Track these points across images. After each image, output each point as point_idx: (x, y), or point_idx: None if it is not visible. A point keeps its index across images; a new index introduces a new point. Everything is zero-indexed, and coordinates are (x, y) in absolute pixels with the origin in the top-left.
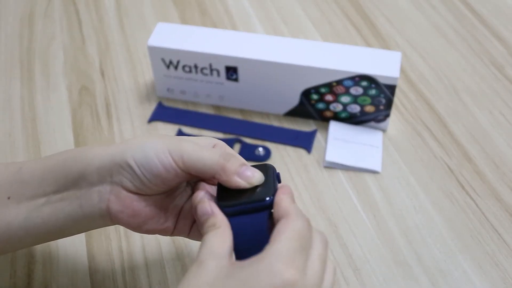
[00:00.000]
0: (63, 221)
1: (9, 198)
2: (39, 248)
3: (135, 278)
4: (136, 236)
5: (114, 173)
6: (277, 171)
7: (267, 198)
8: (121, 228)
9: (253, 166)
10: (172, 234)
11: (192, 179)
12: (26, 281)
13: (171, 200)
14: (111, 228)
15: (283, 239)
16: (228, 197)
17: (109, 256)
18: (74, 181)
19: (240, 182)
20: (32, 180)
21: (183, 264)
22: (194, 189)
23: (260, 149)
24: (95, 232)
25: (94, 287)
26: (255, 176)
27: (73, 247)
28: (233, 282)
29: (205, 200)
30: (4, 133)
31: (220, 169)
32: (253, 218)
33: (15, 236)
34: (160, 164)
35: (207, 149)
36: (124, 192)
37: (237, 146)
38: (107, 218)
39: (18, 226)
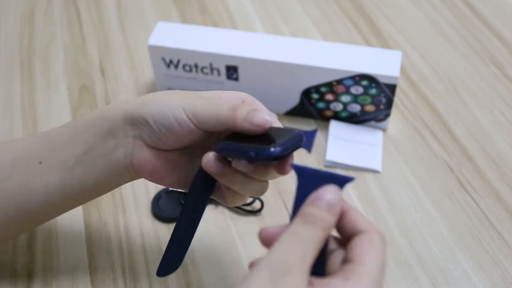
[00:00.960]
0: (95, 178)
1: (40, 163)
2: (39, 246)
3: (135, 277)
4: (136, 236)
5: (135, 127)
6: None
7: (272, 149)
8: (122, 227)
9: (282, 128)
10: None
11: (211, 137)
12: (27, 279)
13: (192, 158)
14: (111, 228)
15: (373, 263)
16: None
17: (109, 255)
18: (103, 139)
19: (247, 126)
20: (61, 144)
21: (183, 263)
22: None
23: None
24: (95, 231)
25: (94, 286)
26: (262, 118)
27: (74, 245)
28: None
29: (336, 190)
30: (5, 132)
31: (231, 121)
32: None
33: (53, 199)
34: (174, 119)
35: (222, 103)
36: (145, 147)
37: None
38: (132, 172)
39: (54, 189)
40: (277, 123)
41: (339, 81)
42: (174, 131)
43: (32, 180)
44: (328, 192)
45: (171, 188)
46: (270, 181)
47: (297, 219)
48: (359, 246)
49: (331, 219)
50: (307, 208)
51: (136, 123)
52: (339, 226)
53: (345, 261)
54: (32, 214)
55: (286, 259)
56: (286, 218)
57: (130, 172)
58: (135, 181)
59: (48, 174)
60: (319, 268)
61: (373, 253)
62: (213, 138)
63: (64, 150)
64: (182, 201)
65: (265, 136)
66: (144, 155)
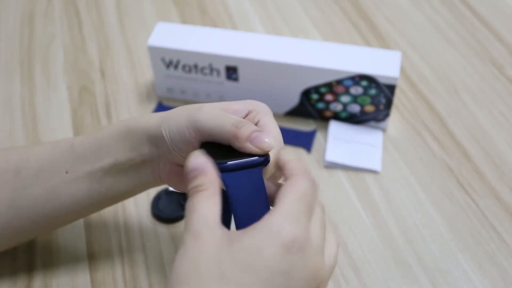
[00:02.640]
0: (125, 188)
1: (67, 172)
2: (39, 247)
3: (135, 277)
4: (136, 236)
5: (159, 147)
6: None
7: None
8: (121, 227)
9: None
10: None
11: None
12: (27, 279)
13: None
14: (111, 228)
15: (288, 201)
16: (227, 156)
17: (109, 255)
18: (129, 153)
19: (251, 148)
20: (87, 154)
21: None
22: None
23: None
24: (95, 231)
25: (94, 286)
26: (266, 142)
27: (74, 246)
28: (239, 248)
29: (199, 154)
30: (5, 133)
31: (233, 137)
32: (249, 173)
33: (81, 207)
34: (180, 138)
35: (224, 116)
36: (169, 163)
37: None
38: (159, 181)
39: (83, 197)
40: (277, 147)
41: (339, 82)
42: (183, 149)
43: (60, 189)
44: (192, 162)
45: (171, 189)
46: None
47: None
48: (281, 190)
49: (203, 179)
50: (188, 185)
51: (158, 142)
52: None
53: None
54: (58, 220)
55: (196, 223)
56: None
57: (157, 182)
58: None
59: (76, 183)
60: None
61: (289, 190)
62: None
63: (91, 161)
64: (182, 202)
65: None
66: (170, 169)
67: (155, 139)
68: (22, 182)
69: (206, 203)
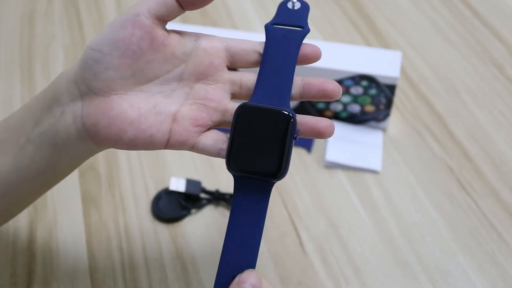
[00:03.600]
0: (48, 155)
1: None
2: (39, 247)
3: (135, 277)
4: (136, 236)
5: (81, 80)
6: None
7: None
8: (122, 227)
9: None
10: (166, 146)
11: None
12: (27, 280)
13: (160, 98)
14: (111, 228)
15: None
16: None
17: (109, 256)
18: (48, 109)
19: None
20: (15, 123)
21: (183, 263)
22: None
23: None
24: (95, 232)
25: (94, 286)
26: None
27: (74, 246)
28: None
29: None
30: None
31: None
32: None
33: (10, 182)
34: (125, 27)
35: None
36: (96, 99)
37: None
38: (87, 137)
39: (9, 171)
40: None
41: (339, 82)
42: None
43: None
44: (250, 277)
45: (171, 189)
46: None
47: None
48: None
49: None
50: None
51: (82, 69)
52: None
53: None
54: None
55: None
56: (285, 217)
57: (84, 139)
58: (134, 180)
59: (2, 157)
60: None
61: None
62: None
63: (17, 129)
64: (182, 202)
65: None
66: (97, 108)
67: (79, 72)
68: None
69: None
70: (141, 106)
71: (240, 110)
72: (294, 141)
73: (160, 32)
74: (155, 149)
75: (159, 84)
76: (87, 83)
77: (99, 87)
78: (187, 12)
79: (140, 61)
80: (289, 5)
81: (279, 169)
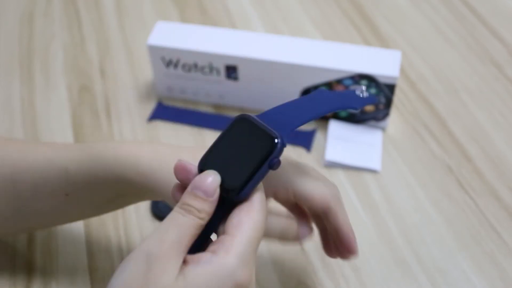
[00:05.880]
0: (130, 203)
1: (67, 195)
2: (38, 246)
3: None
4: (136, 235)
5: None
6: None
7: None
8: (121, 227)
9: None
10: None
11: None
12: (26, 279)
13: None
14: (111, 227)
15: (244, 241)
16: None
17: (108, 255)
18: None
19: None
20: (84, 186)
21: None
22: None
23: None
24: (94, 231)
25: (94, 285)
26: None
27: (73, 245)
28: (192, 283)
29: (216, 177)
30: (4, 132)
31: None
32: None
33: (87, 216)
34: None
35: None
36: None
37: None
38: None
39: (90, 212)
40: None
41: (339, 81)
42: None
43: (64, 206)
44: (206, 180)
45: None
46: None
47: (176, 207)
48: (235, 216)
49: (207, 207)
50: (185, 197)
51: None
52: None
53: (222, 232)
54: (59, 224)
55: (161, 244)
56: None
57: None
58: None
59: (80, 204)
60: (201, 246)
61: (247, 224)
62: None
63: (91, 191)
64: None
65: None
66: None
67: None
68: (21, 194)
69: (190, 232)
70: None
71: (238, 118)
72: (269, 169)
73: None
74: None
75: None
76: None
77: None
78: (187, 12)
79: None
80: (358, 91)
81: (239, 188)
